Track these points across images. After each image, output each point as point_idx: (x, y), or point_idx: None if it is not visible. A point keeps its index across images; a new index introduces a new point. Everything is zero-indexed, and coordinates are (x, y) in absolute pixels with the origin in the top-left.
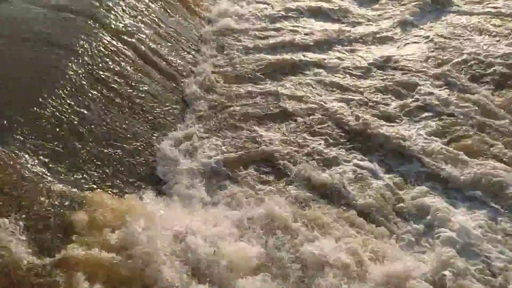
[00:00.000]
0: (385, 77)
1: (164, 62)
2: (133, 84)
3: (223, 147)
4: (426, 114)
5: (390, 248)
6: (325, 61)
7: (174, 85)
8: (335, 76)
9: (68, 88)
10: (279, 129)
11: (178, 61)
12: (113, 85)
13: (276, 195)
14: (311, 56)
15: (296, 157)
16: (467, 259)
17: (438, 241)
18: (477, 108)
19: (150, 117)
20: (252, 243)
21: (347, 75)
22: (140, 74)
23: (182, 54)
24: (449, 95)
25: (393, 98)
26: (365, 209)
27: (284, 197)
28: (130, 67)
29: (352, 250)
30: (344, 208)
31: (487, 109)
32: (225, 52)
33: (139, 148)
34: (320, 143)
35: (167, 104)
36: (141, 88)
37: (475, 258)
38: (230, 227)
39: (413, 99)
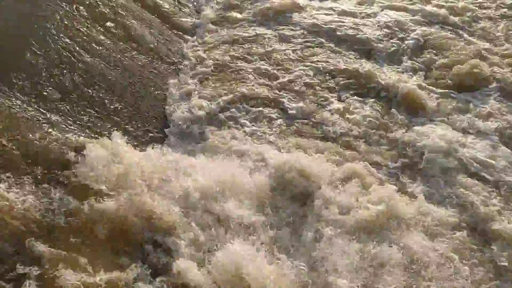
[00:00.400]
0: (377, 10)
1: (166, 13)
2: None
3: (218, 90)
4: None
5: None
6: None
7: (177, 36)
8: (326, 16)
9: (69, 32)
10: (265, 66)
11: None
12: (113, 30)
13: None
14: None
15: (287, 88)
16: None
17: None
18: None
19: (152, 66)
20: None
21: (337, 15)
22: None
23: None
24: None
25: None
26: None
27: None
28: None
29: None
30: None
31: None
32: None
33: (141, 95)
34: (307, 76)
35: (169, 54)
36: (139, 38)
37: None
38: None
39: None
